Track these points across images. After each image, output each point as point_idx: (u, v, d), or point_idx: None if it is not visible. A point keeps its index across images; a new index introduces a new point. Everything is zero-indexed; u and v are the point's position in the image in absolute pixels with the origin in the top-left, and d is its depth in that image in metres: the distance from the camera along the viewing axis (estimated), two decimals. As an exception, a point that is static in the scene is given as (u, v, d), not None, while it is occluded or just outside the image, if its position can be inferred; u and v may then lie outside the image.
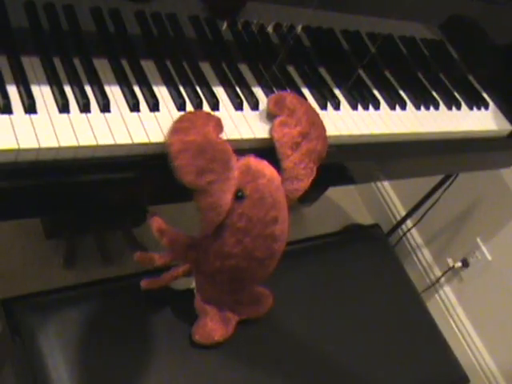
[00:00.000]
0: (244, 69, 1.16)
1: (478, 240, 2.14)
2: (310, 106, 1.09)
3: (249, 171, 0.99)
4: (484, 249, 2.13)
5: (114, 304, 1.17)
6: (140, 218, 1.91)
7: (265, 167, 1.01)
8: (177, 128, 0.94)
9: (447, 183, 2.00)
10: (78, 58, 0.99)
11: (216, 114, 1.04)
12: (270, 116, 1.07)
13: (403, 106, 1.30)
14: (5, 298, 1.15)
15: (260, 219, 1.01)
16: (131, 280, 1.22)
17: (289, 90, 1.16)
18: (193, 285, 1.17)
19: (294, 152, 1.03)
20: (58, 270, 1.90)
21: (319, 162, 1.07)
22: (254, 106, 1.10)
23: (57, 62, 0.97)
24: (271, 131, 1.04)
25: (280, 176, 1.04)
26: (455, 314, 2.25)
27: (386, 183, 2.57)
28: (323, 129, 1.07)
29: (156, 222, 1.04)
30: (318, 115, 1.08)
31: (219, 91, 1.09)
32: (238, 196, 0.98)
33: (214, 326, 1.17)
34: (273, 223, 1.02)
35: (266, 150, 1.05)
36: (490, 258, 2.11)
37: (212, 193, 0.94)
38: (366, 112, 1.24)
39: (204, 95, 1.06)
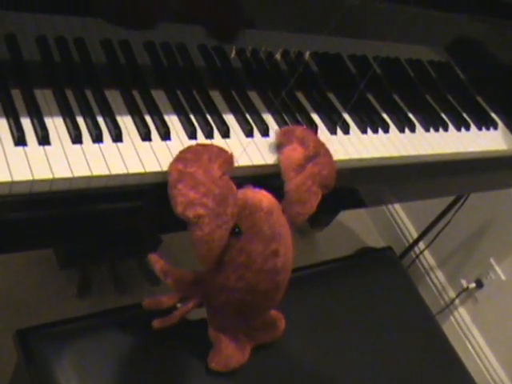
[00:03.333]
0: (253, 96, 1.17)
1: (492, 260, 2.14)
2: (319, 138, 1.09)
3: (245, 205, 0.98)
4: (498, 269, 2.12)
5: (128, 333, 1.17)
6: (153, 247, 1.91)
7: (263, 199, 0.99)
8: (179, 158, 0.94)
9: (459, 204, 2.00)
10: (89, 90, 1.01)
11: (227, 141, 1.05)
12: (279, 147, 1.07)
13: (412, 129, 1.31)
14: (20, 329, 1.15)
15: (259, 253, 0.99)
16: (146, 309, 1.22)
17: (297, 115, 1.17)
18: (205, 315, 1.17)
19: (298, 174, 1.03)
20: (72, 300, 1.91)
21: (325, 190, 1.07)
22: (265, 132, 1.10)
23: (69, 93, 0.98)
24: (279, 157, 1.05)
25: (283, 201, 1.03)
26: (470, 335, 2.24)
27: (397, 206, 2.57)
28: (331, 158, 1.08)
29: (158, 264, 1.05)
30: (326, 147, 1.08)
31: (229, 119, 1.10)
32: (235, 232, 0.98)
33: (229, 353, 1.16)
34: (273, 256, 1.01)
35: (275, 175, 1.05)
36: (503, 277, 2.10)
37: (202, 226, 0.92)
38: (375, 135, 1.25)
39: (215, 123, 1.07)
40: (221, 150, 0.97)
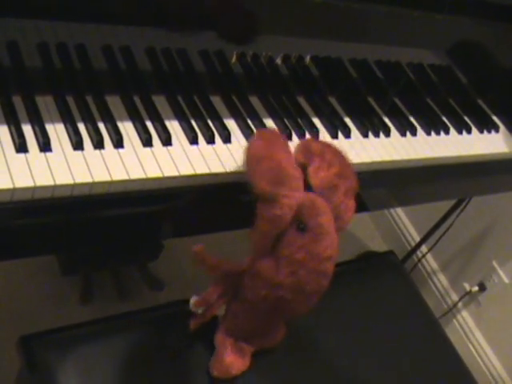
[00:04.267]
0: (254, 101, 1.17)
1: (494, 263, 2.13)
2: (333, 146, 1.09)
3: (313, 205, 0.99)
4: (501, 272, 2.11)
5: (131, 339, 1.17)
6: (155, 253, 1.91)
7: (326, 205, 1.01)
8: (264, 136, 0.97)
9: (461, 207, 2.00)
10: (90, 96, 1.01)
11: (228, 146, 1.05)
12: (301, 165, 1.07)
13: (414, 132, 1.31)
14: (22, 336, 1.15)
15: (318, 255, 1.00)
16: (148, 314, 1.22)
17: (299, 119, 1.17)
18: (220, 312, 1.16)
19: (335, 194, 1.03)
20: (74, 307, 1.91)
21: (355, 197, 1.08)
22: (266, 137, 1.10)
23: (70, 100, 0.98)
24: (308, 179, 1.04)
25: None
26: (474, 339, 2.23)
27: (399, 209, 2.57)
28: (350, 164, 1.08)
29: (208, 261, 1.03)
30: (342, 152, 1.08)
31: (230, 124, 1.10)
32: (300, 228, 0.98)
33: (231, 361, 1.16)
34: (328, 260, 1.02)
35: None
36: (507, 280, 2.10)
37: (281, 206, 0.94)
38: (376, 139, 1.25)
39: (216, 128, 1.07)
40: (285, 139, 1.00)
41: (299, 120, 1.18)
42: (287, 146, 0.99)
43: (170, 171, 0.96)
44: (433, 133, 1.34)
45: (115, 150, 0.95)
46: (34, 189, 0.85)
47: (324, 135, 1.19)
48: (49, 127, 0.93)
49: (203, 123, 1.06)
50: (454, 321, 2.30)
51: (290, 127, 1.15)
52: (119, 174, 0.92)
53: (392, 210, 2.58)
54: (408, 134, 1.30)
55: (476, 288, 2.19)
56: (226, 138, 1.06)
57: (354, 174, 1.06)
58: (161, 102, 1.07)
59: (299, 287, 1.03)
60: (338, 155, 1.06)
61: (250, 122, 1.12)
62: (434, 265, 2.41)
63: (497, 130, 1.48)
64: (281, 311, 1.10)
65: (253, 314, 1.12)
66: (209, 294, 1.10)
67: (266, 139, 0.97)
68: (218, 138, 1.06)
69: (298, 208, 0.97)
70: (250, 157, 0.95)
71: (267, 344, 1.23)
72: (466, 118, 1.44)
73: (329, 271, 1.04)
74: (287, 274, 1.01)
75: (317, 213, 0.99)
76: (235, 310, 1.14)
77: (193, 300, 1.12)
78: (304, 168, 1.04)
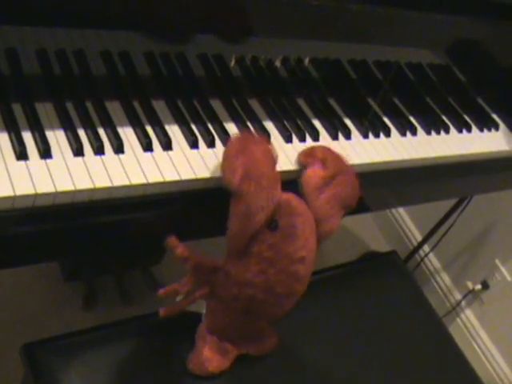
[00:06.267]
0: (254, 104, 1.17)
1: (497, 261, 2.13)
2: (340, 155, 1.09)
3: (288, 205, 0.99)
4: (503, 270, 2.11)
5: (136, 344, 1.17)
6: (158, 257, 1.91)
7: (304, 208, 1.01)
8: (244, 136, 0.99)
9: (462, 206, 2.00)
10: (90, 102, 1.01)
11: (229, 149, 1.05)
12: (302, 169, 1.08)
13: (414, 132, 1.31)
14: (26, 343, 1.14)
15: (288, 255, 1.00)
16: (152, 319, 1.21)
17: (299, 121, 1.17)
18: (203, 310, 1.16)
19: (321, 193, 1.03)
20: (77, 312, 1.90)
21: (347, 209, 1.07)
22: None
23: (70, 106, 0.98)
24: (300, 179, 1.05)
25: None
26: (478, 337, 2.23)
27: (400, 209, 2.56)
28: (353, 176, 1.08)
29: (179, 249, 1.02)
30: (349, 165, 1.09)
31: (231, 127, 1.10)
32: (272, 226, 0.98)
33: (209, 356, 1.14)
34: (299, 262, 1.01)
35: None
36: (509, 278, 2.10)
37: (249, 202, 0.94)
38: (377, 140, 1.25)
39: (216, 132, 1.07)
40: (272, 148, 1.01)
41: (299, 122, 1.18)
42: (269, 151, 0.99)
43: (170, 176, 0.96)
44: (433, 132, 1.34)
45: (116, 156, 0.95)
46: (35, 196, 0.85)
47: (324, 137, 1.19)
48: (49, 134, 0.93)
49: (203, 127, 1.06)
50: (458, 319, 2.30)
51: (290, 129, 1.15)
52: (120, 180, 0.92)
53: (394, 210, 2.58)
54: (408, 133, 1.30)
55: (479, 286, 2.19)
56: (227, 142, 1.06)
57: (350, 184, 1.07)
58: (160, 107, 1.07)
59: (269, 287, 1.02)
60: (339, 162, 1.07)
61: (250, 125, 1.12)
62: (437, 264, 2.41)
63: (497, 128, 1.48)
64: (254, 312, 1.10)
65: (229, 313, 1.11)
66: (178, 285, 1.08)
67: (245, 139, 0.98)
68: (218, 142, 1.06)
69: (274, 208, 0.97)
70: (228, 152, 0.96)
71: (255, 350, 1.21)
72: (465, 117, 1.44)
73: (301, 274, 1.03)
74: (256, 272, 1.01)
75: (290, 212, 0.99)
76: (213, 308, 1.13)
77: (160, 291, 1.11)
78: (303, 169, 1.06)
